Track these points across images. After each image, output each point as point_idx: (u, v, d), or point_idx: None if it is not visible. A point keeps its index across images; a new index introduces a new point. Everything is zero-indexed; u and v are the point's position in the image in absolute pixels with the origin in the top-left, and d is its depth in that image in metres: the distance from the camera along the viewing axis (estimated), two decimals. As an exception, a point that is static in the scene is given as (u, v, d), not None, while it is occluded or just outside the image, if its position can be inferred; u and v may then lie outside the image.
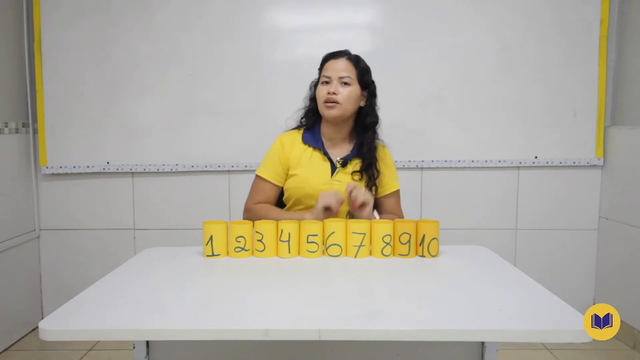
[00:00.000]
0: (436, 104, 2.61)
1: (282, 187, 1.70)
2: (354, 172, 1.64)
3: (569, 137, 2.62)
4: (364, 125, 1.67)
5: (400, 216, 1.73)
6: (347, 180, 1.63)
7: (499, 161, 2.64)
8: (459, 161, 2.64)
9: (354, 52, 1.69)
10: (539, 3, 2.56)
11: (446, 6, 2.57)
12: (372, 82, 1.68)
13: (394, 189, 1.71)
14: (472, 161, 2.64)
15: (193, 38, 2.59)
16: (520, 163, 2.64)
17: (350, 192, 1.52)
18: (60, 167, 2.65)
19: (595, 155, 2.62)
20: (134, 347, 1.24)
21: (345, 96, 1.59)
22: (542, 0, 2.56)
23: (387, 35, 2.60)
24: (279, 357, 1.26)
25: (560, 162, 2.64)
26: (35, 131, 2.66)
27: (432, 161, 2.64)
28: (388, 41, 2.60)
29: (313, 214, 1.53)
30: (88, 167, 2.65)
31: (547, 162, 2.64)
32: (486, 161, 2.64)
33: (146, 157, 2.65)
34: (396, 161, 2.57)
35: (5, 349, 2.45)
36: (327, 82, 1.61)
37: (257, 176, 1.69)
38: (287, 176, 1.68)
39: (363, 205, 1.52)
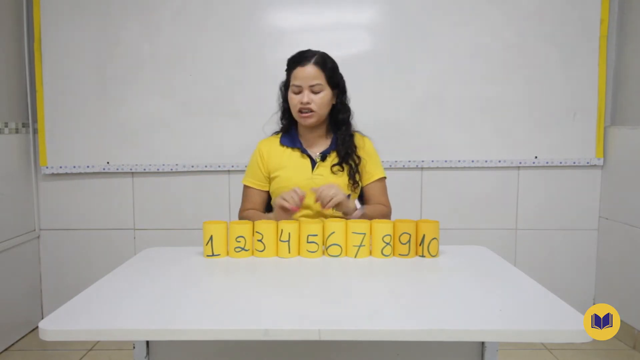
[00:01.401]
0: (436, 104, 2.61)
1: (269, 191, 1.73)
2: (333, 166, 1.66)
3: (569, 137, 2.62)
4: (336, 122, 1.69)
5: (386, 205, 1.73)
6: (328, 174, 1.66)
7: (499, 161, 2.64)
8: (459, 161, 2.64)
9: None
10: (538, 3, 2.56)
11: (446, 6, 2.57)
12: (341, 77, 1.69)
13: (378, 177, 1.71)
14: (472, 161, 2.64)
15: (193, 38, 2.59)
16: (520, 163, 2.65)
17: (317, 199, 1.52)
18: (60, 167, 2.65)
19: (595, 155, 2.62)
20: (134, 347, 1.24)
21: (319, 103, 1.62)
22: (542, 0, 2.56)
23: (387, 35, 2.60)
24: (279, 357, 1.26)
25: (560, 162, 2.64)
26: (35, 131, 2.66)
27: (432, 161, 2.64)
28: (388, 41, 2.60)
29: (274, 214, 1.57)
30: (88, 167, 2.65)
31: (547, 162, 2.64)
32: (486, 161, 2.64)
33: (146, 157, 2.65)
34: (396, 161, 2.61)
35: (5, 349, 2.45)
36: (298, 92, 1.63)
37: (244, 185, 1.76)
38: (270, 180, 1.71)
39: (334, 201, 1.51)
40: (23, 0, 2.59)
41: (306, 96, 1.61)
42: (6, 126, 2.49)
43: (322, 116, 1.66)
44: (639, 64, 2.46)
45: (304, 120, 1.64)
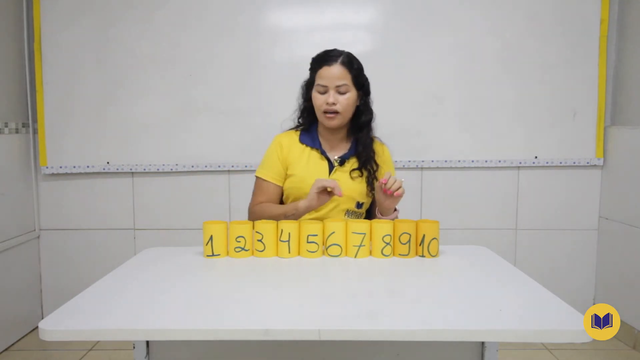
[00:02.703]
0: (436, 104, 2.61)
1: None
2: (352, 170, 1.63)
3: (569, 137, 2.62)
4: (359, 124, 1.65)
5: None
6: (345, 179, 1.63)
7: (499, 161, 2.64)
8: (459, 161, 2.64)
9: (354, 52, 1.67)
10: (539, 3, 2.56)
11: (446, 6, 2.57)
12: (366, 79, 1.66)
13: None
14: (472, 161, 2.64)
15: (193, 38, 2.59)
16: (520, 163, 2.65)
17: (385, 182, 1.47)
18: (60, 167, 2.65)
19: (595, 155, 2.62)
20: (134, 347, 1.24)
21: (345, 105, 1.58)
22: (542, 0, 2.56)
23: (388, 36, 2.60)
24: (279, 357, 1.26)
25: (560, 162, 2.64)
26: (35, 131, 2.66)
27: (432, 161, 2.64)
28: (388, 41, 2.60)
29: (307, 199, 1.52)
30: (88, 167, 2.65)
31: (547, 162, 2.64)
32: (486, 161, 2.64)
33: (146, 157, 2.65)
34: (396, 161, 2.59)
35: (5, 349, 2.45)
36: (323, 92, 1.59)
37: (258, 178, 1.69)
38: (286, 176, 1.68)
39: (401, 192, 1.47)
40: (23, 0, 2.59)
41: (332, 96, 1.57)
42: (6, 126, 2.49)
43: (346, 118, 1.62)
44: (639, 64, 2.46)
45: (328, 122, 1.60)
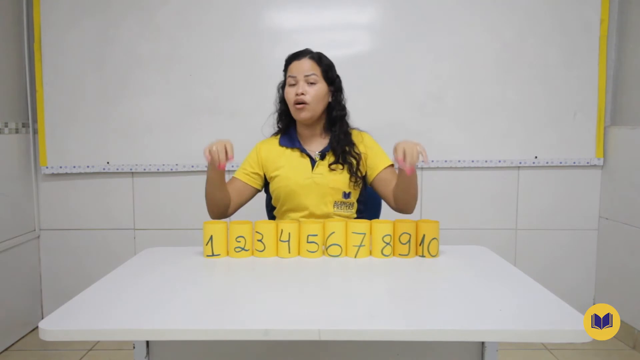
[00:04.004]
0: (436, 104, 2.61)
1: (253, 188, 1.73)
2: (331, 164, 1.66)
3: (569, 137, 2.62)
4: (331, 120, 1.69)
5: None
6: (327, 172, 1.65)
7: (499, 161, 2.64)
8: (459, 161, 2.64)
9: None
10: (539, 3, 2.56)
11: (446, 6, 2.57)
12: (337, 76, 1.71)
13: (386, 165, 1.69)
14: (472, 161, 2.64)
15: (193, 38, 2.59)
16: (520, 163, 2.64)
17: (403, 160, 1.46)
18: (60, 167, 2.65)
19: (595, 155, 2.62)
20: (134, 347, 1.24)
21: (313, 95, 1.62)
22: (542, 0, 2.56)
23: (388, 36, 2.60)
24: (279, 357, 1.26)
25: (560, 162, 2.64)
26: (35, 131, 2.66)
27: (432, 161, 2.64)
28: (388, 41, 2.60)
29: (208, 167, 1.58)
30: (88, 167, 2.65)
31: (547, 162, 2.64)
32: (486, 161, 2.64)
33: (146, 157, 2.65)
34: (396, 161, 2.60)
35: (5, 349, 2.45)
36: (293, 84, 1.64)
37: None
38: (268, 179, 1.72)
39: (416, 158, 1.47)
40: (23, 1, 2.59)
41: (301, 87, 1.61)
42: (6, 126, 2.49)
43: (316, 111, 1.65)
44: (639, 64, 2.46)
45: (298, 114, 1.63)
